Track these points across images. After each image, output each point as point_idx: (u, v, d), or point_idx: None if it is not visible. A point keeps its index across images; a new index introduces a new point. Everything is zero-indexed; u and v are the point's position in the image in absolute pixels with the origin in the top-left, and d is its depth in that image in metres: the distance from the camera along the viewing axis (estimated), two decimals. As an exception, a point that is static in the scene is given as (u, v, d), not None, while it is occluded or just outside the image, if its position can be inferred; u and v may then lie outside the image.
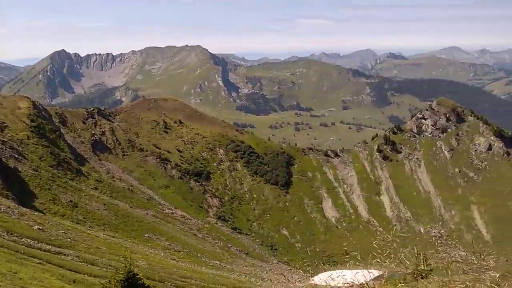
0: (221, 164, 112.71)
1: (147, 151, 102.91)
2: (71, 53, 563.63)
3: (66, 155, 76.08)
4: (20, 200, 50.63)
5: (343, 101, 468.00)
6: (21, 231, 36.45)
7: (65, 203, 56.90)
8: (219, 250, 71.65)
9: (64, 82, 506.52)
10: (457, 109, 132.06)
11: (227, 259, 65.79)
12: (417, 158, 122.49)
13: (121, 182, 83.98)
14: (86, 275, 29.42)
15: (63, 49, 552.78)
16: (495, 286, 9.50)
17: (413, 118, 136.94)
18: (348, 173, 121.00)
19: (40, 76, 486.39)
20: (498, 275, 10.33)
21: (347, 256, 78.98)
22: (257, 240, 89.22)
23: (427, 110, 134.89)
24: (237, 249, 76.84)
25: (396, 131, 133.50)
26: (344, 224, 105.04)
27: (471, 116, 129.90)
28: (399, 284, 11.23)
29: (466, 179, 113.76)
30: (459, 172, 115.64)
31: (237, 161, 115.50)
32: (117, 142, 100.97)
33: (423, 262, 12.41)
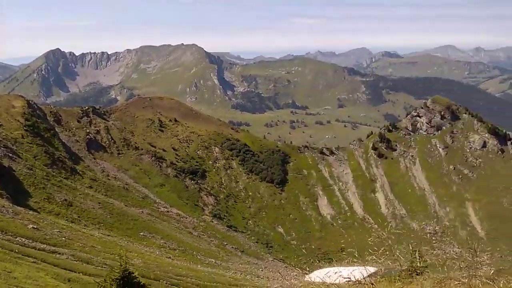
0: (216, 162, 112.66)
1: (142, 149, 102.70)
2: (66, 52, 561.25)
3: (60, 154, 75.78)
4: (15, 199, 50.37)
5: (338, 99, 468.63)
6: (16, 230, 36.28)
7: (60, 202, 56.69)
8: (215, 248, 71.65)
9: (59, 81, 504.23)
10: (452, 107, 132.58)
11: (223, 257, 65.79)
12: (412, 156, 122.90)
13: (116, 180, 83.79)
14: (81, 274, 29.30)
15: (57, 48, 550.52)
16: (490, 282, 9.53)
17: (408, 116, 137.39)
18: (343, 170, 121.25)
19: (35, 75, 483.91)
20: (492, 271, 10.38)
21: (344, 254, 79.22)
22: (252, 238, 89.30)
23: (422, 108, 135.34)
24: (232, 247, 76.87)
25: (391, 129, 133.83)
26: (339, 222, 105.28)
27: (465, 113, 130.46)
28: (395, 281, 11.23)
29: (460, 176, 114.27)
30: (454, 169, 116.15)
31: (232, 159, 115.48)
32: (112, 140, 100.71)
33: (419, 259, 12.44)
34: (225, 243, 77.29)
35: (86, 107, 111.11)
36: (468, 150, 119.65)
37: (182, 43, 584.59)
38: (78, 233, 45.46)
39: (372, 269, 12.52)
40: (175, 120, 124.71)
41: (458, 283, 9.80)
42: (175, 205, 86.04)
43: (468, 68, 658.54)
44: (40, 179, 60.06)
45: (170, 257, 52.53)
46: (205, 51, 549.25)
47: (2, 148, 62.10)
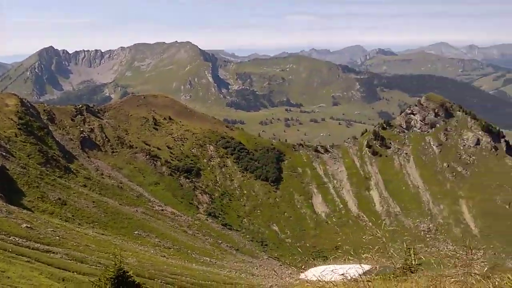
0: (211, 161, 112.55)
1: (136, 148, 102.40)
2: (59, 49, 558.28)
3: (54, 153, 75.41)
4: (8, 198, 50.09)
5: (333, 97, 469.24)
6: (9, 229, 36.11)
7: (54, 201, 56.43)
8: (210, 246, 71.64)
9: (52, 79, 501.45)
10: (446, 104, 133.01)
11: (218, 256, 65.80)
12: (406, 153, 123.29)
13: (111, 179, 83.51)
14: (75, 273, 29.23)
15: (51, 46, 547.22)
16: (484, 280, 9.55)
17: (402, 114, 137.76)
18: (338, 168, 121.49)
19: (28, 73, 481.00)
20: (486, 268, 10.43)
21: (339, 252, 79.67)
22: (247, 236, 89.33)
23: (416, 105, 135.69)
24: (227, 245, 76.89)
25: (385, 126, 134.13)
26: (334, 219, 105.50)
27: (459, 111, 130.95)
28: (389, 279, 11.25)
29: (454, 173, 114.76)
30: (448, 166, 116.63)
31: (227, 158, 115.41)
32: (106, 139, 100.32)
33: (413, 257, 12.46)
34: (220, 242, 77.30)
35: (80, 105, 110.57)
36: (461, 148, 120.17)
37: (176, 41, 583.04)
38: (72, 232, 45.31)
39: (366, 267, 12.54)
40: (170, 118, 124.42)
41: (453, 281, 9.82)
42: (169, 204, 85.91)
43: (462, 65, 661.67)
44: (34, 178, 59.75)
45: (164, 256, 52.49)
46: (199, 48, 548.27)
47: (-5, 147, 61.69)
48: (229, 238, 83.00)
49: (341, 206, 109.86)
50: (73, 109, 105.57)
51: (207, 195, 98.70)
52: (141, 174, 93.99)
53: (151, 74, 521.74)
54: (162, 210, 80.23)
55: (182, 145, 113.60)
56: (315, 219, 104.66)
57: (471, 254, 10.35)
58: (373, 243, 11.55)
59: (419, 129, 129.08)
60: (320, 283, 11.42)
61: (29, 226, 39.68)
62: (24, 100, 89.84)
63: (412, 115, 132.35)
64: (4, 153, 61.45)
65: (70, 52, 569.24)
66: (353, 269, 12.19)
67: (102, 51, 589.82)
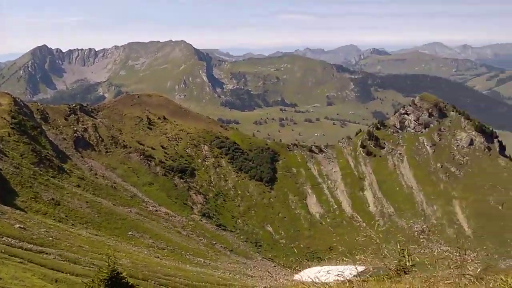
0: (205, 161, 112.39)
1: (130, 147, 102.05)
2: (52, 48, 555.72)
3: (47, 152, 74.99)
4: (1, 199, 49.73)
5: (327, 96, 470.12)
6: (2, 230, 35.86)
7: (47, 201, 56.11)
8: (204, 247, 71.53)
9: (46, 78, 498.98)
10: (440, 104, 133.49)
11: (212, 257, 65.72)
12: (400, 154, 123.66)
13: (104, 179, 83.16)
14: (68, 274, 29.08)
15: (44, 45, 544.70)
16: (478, 281, 9.59)
17: (396, 114, 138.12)
18: (332, 168, 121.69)
19: (21, 72, 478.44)
20: (479, 269, 10.45)
21: (334, 253, 79.56)
22: (241, 237, 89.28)
23: (410, 105, 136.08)
24: (221, 246, 76.82)
25: (379, 126, 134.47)
26: (328, 220, 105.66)
27: (453, 111, 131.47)
28: (383, 280, 11.26)
29: (448, 174, 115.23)
30: (441, 167, 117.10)
31: (221, 158, 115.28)
32: (100, 138, 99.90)
33: (407, 258, 12.48)
34: (214, 243, 77.21)
35: (74, 105, 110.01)
36: (455, 148, 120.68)
37: (171, 40, 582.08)
38: (65, 233, 45.09)
39: (360, 268, 12.56)
40: (164, 118, 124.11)
41: (446, 282, 9.84)
42: (163, 204, 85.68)
43: (456, 65, 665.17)
44: (27, 178, 59.39)
45: (158, 257, 52.36)
46: (194, 48, 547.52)
47: (-12, 147, 61.26)
48: (223, 239, 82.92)
49: (335, 206, 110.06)
50: (66, 108, 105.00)
51: (202, 195, 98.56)
52: (135, 174, 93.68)
53: (145, 73, 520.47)
54: (156, 210, 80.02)
55: (177, 145, 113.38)
56: (309, 219, 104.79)
57: (465, 255, 10.38)
58: (367, 244, 11.57)
59: (413, 129, 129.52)
60: (315, 284, 11.41)
61: (22, 226, 39.44)
62: (17, 99, 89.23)
63: (406, 115, 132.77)
64: (-4, 153, 61.01)
65: (64, 50, 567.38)
66: (347, 270, 12.20)
67: (96, 50, 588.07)
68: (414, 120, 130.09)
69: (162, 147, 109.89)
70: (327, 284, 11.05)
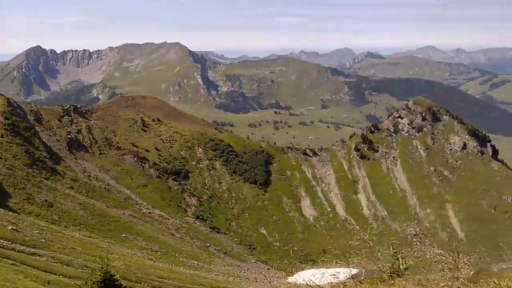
0: (199, 163, 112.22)
1: (124, 149, 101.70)
2: (46, 49, 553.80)
3: (41, 154, 74.60)
4: (-7, 200, 49.43)
5: (321, 99, 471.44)
6: (-6, 231, 35.61)
7: (40, 203, 55.80)
8: (197, 249, 71.38)
9: (40, 79, 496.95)
10: (433, 108, 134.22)
11: (205, 259, 65.61)
12: (393, 157, 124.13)
13: (98, 181, 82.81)
14: (61, 276, 28.95)
15: (38, 45, 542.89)
16: (471, 284, 9.65)
17: (390, 117, 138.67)
18: (326, 171, 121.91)
19: (15, 73, 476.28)
20: (472, 272, 10.52)
21: (328, 256, 79.65)
22: (235, 240, 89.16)
23: (404, 109, 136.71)
24: (215, 249, 76.70)
25: (373, 130, 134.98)
26: (322, 223, 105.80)
27: (446, 115, 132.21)
28: (376, 283, 11.30)
29: (441, 177, 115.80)
30: (434, 170, 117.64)
31: (216, 160, 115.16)
32: (94, 140, 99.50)
33: (400, 261, 12.53)
34: (208, 245, 77.08)
35: (67, 106, 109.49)
36: (448, 152, 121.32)
37: (166, 42, 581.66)
38: (58, 235, 44.85)
39: (354, 271, 12.61)
40: (158, 120, 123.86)
41: (440, 285, 9.90)
42: (157, 206, 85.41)
43: (449, 69, 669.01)
44: (20, 179, 59.04)
45: (152, 259, 52.19)
46: (189, 50, 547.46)
47: (-19, 148, 60.86)
48: (217, 241, 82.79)
49: (329, 209, 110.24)
50: (60, 109, 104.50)
51: (195, 197, 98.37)
52: (128, 176, 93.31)
53: (140, 75, 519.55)
54: (150, 212, 79.77)
55: (171, 147, 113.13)
56: (303, 222, 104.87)
57: (458, 259, 10.45)
58: (361, 247, 11.61)
59: (406, 132, 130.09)
60: (309, 286, 11.44)
61: (14, 228, 39.20)
62: (10, 100, 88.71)
63: (399, 119, 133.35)
64: (-11, 154, 60.65)
65: (58, 51, 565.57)
66: (341, 273, 12.24)
67: (90, 51, 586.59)
68: (408, 124, 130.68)
69: (156, 149, 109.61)
70: (320, 287, 11.07)
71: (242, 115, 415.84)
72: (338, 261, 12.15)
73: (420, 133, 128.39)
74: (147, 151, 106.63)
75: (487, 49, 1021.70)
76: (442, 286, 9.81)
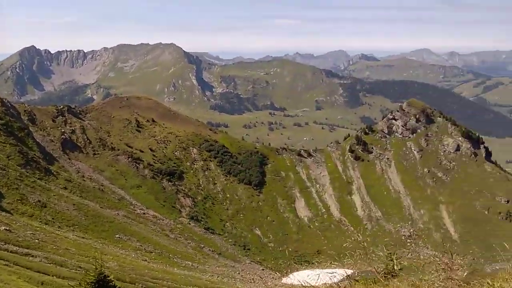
0: (194, 164, 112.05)
1: (118, 150, 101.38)
2: (41, 49, 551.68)
3: (34, 154, 74.24)
4: (-14, 200, 49.13)
5: (316, 101, 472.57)
6: (-13, 232, 35.39)
7: (34, 203, 55.52)
8: (192, 250, 71.26)
9: (34, 79, 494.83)
10: (427, 110, 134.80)
11: (200, 260, 65.50)
12: (387, 158, 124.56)
13: (92, 181, 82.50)
14: (54, 277, 28.82)
15: (32, 45, 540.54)
16: (465, 284, 9.67)
17: (384, 119, 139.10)
18: (320, 173, 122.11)
19: (9, 73, 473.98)
20: (466, 273, 10.57)
21: (323, 257, 79.75)
22: (230, 240, 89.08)
23: (398, 111, 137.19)
24: (209, 250, 76.59)
25: (367, 131, 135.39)
26: (316, 224, 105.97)
27: (440, 117, 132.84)
28: (371, 284, 11.32)
29: (435, 179, 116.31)
30: (428, 172, 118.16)
31: (210, 161, 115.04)
32: (88, 140, 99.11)
33: (395, 262, 12.55)
34: (202, 246, 76.95)
35: (61, 106, 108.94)
36: (442, 153, 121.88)
37: (160, 42, 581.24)
38: (52, 235, 44.65)
39: (348, 272, 12.63)
40: (153, 121, 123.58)
41: (434, 286, 9.93)
42: (151, 207, 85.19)
43: (443, 72, 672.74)
44: (13, 179, 58.71)
45: (146, 260, 52.05)
46: (183, 50, 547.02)
47: (-27, 148, 60.47)
48: (211, 242, 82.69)
49: (324, 210, 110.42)
50: (54, 110, 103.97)
51: (190, 198, 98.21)
52: (123, 177, 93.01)
53: (135, 76, 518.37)
54: (144, 213, 79.55)
55: (165, 147, 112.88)
56: (297, 223, 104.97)
57: (452, 260, 10.47)
58: (355, 248, 11.62)
59: (400, 134, 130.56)
60: (303, 287, 11.44)
61: (7, 228, 38.97)
62: (4, 100, 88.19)
63: (393, 121, 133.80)
64: (-18, 154, 60.28)
65: (52, 52, 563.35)
66: (336, 274, 12.26)
67: (85, 51, 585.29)
68: (402, 126, 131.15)
69: (151, 149, 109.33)
70: (315, 287, 11.08)
71: (236, 116, 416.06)
72: (333, 262, 12.17)
73: (414, 134, 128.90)
74: (142, 151, 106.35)
75: (480, 52, 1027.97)
76: (436, 287, 9.84)
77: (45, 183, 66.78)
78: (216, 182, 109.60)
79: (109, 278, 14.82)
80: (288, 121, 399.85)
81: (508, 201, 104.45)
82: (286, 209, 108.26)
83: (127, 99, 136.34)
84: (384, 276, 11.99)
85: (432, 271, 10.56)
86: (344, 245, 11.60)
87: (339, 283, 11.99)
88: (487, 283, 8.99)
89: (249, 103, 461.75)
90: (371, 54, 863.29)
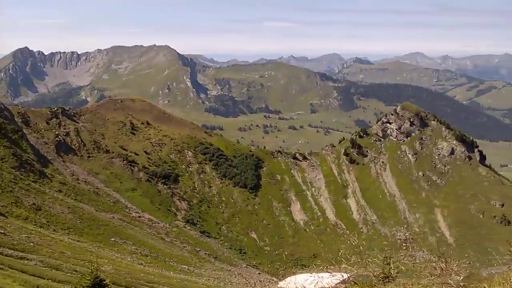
0: (189, 167, 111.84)
1: (113, 152, 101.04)
2: (34, 50, 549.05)
3: (29, 156, 73.83)
4: (-20, 203, 48.79)
5: (311, 104, 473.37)
6: (-19, 235, 35.15)
7: (28, 206, 55.15)
8: (187, 254, 71.01)
9: (27, 80, 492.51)
10: (421, 113, 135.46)
11: (196, 264, 65.27)
12: (382, 162, 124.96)
13: (86, 184, 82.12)
14: (50, 280, 28.59)
15: (26, 47, 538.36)
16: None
17: (379, 122, 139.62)
18: (316, 176, 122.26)
19: (2, 75, 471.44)
20: (461, 277, 10.64)
21: (318, 261, 79.78)
22: (225, 244, 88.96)
23: (392, 114, 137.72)
24: (205, 253, 76.35)
25: (362, 134, 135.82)
26: (312, 227, 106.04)
27: (434, 120, 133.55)
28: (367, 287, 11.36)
29: (429, 182, 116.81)
30: (423, 175, 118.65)
31: (205, 164, 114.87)
32: (82, 143, 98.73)
33: (391, 265, 12.59)
34: (198, 249, 76.70)
35: (55, 108, 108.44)
36: (436, 157, 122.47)
37: (155, 44, 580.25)
38: (47, 239, 44.37)
39: (344, 275, 12.66)
40: (147, 123, 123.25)
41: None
42: (147, 210, 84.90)
43: (437, 75, 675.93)
44: (8, 182, 58.29)
45: (142, 264, 51.80)
46: (178, 53, 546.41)
47: (-33, 150, 60.07)
48: (207, 245, 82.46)
49: (319, 214, 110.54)
50: (48, 112, 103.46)
51: (185, 201, 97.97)
52: (118, 180, 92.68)
53: (129, 78, 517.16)
54: (139, 216, 79.24)
55: (160, 150, 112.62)
56: (293, 226, 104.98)
57: (449, 263, 10.54)
58: (351, 251, 11.65)
59: (395, 137, 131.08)
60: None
61: (2, 232, 38.69)
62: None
63: (388, 124, 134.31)
64: (-24, 157, 59.88)
65: (46, 53, 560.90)
66: (331, 278, 12.28)
67: (79, 53, 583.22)
68: (396, 129, 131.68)
69: (146, 152, 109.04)
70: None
71: (231, 119, 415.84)
72: (329, 266, 12.20)
73: (409, 138, 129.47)
74: (136, 154, 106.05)
75: (473, 56, 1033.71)
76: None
77: (40, 186, 66.40)
78: (211, 185, 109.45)
79: (104, 282, 14.79)
80: (283, 124, 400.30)
81: (502, 205, 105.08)
82: (282, 213, 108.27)
83: (121, 101, 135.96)
84: (382, 280, 12.03)
85: (429, 275, 10.62)
86: (341, 251, 11.64)
87: (334, 287, 12.03)
88: (484, 287, 9.05)
89: (244, 106, 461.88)
90: (365, 57, 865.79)
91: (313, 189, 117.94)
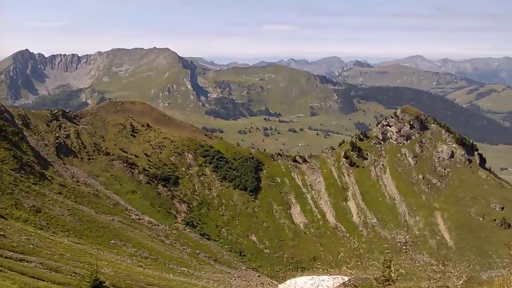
0: (189, 169, 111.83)
1: (113, 155, 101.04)
2: (35, 53, 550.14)
3: (29, 159, 73.84)
4: (-20, 205, 48.77)
5: (311, 107, 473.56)
6: (-19, 237, 35.13)
7: (28, 208, 55.13)
8: (187, 256, 70.94)
9: (28, 83, 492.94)
10: (421, 116, 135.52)
11: (195, 266, 65.19)
12: (382, 165, 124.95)
13: (86, 186, 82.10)
14: (49, 282, 28.57)
15: (26, 49, 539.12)
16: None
17: (379, 125, 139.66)
18: (316, 178, 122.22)
19: (3, 77, 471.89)
20: (461, 281, 10.64)
21: (319, 263, 79.79)
22: (225, 246, 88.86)
23: (392, 117, 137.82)
24: (205, 256, 76.27)
25: (362, 137, 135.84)
26: (312, 230, 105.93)
27: (434, 123, 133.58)
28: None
29: (429, 185, 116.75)
30: (423, 178, 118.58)
31: (206, 166, 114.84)
32: (82, 145, 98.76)
33: (392, 269, 12.60)
34: (198, 252, 76.64)
35: (56, 111, 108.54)
36: (436, 160, 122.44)
37: (155, 47, 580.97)
38: (46, 241, 44.34)
39: (344, 278, 12.66)
40: (148, 126, 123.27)
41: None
42: (147, 213, 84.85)
43: (436, 78, 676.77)
44: (8, 184, 58.28)
45: (141, 266, 51.75)
46: (178, 55, 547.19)
47: (-33, 152, 60.09)
48: (207, 248, 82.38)
49: (319, 216, 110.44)
50: (48, 114, 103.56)
51: (185, 204, 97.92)
52: (118, 182, 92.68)
53: (129, 80, 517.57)
54: (139, 219, 79.19)
55: (160, 153, 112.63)
56: (293, 229, 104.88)
57: (448, 267, 10.54)
58: (351, 254, 11.66)
59: (395, 140, 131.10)
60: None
61: (2, 234, 38.67)
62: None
63: (388, 127, 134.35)
64: (-24, 159, 59.89)
65: (46, 56, 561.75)
66: (331, 280, 12.30)
67: (79, 55, 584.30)
68: (396, 132, 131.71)
69: (146, 155, 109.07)
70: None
71: (232, 122, 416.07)
72: (329, 269, 12.21)
73: (409, 141, 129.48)
74: (137, 156, 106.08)
75: (473, 59, 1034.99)
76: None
77: (40, 188, 66.38)
78: (211, 187, 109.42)
79: (104, 284, 14.80)
80: (283, 127, 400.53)
81: (502, 208, 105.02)
82: (282, 215, 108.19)
83: (121, 103, 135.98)
84: (380, 283, 12.04)
85: (429, 279, 10.61)
86: (341, 254, 11.65)
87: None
88: (485, 290, 9.05)
89: (244, 109, 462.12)
90: (365, 60, 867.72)
91: (313, 191, 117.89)
